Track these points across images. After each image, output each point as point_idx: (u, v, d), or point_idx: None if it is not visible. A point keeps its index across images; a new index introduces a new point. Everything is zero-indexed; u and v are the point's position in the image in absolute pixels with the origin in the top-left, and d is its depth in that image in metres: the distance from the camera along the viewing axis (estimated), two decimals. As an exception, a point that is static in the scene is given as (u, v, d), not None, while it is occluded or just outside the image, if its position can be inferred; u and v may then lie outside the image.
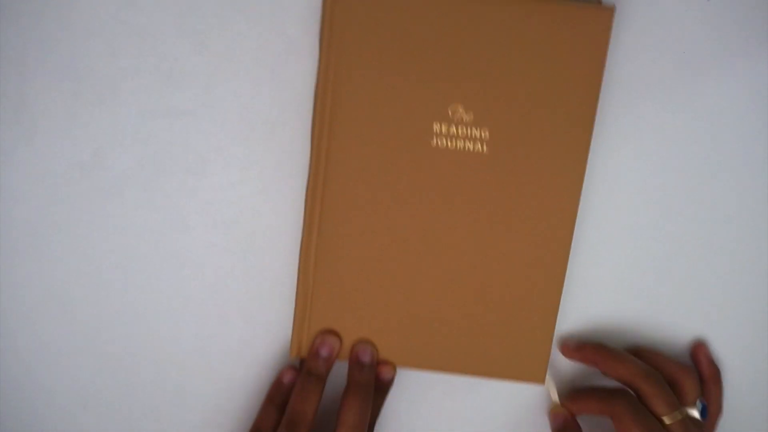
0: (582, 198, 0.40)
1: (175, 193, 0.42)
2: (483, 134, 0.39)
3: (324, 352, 0.41)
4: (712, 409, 0.43)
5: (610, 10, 0.38)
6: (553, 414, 0.43)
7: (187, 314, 0.44)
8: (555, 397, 0.44)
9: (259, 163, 0.42)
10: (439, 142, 0.39)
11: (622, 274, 0.44)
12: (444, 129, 0.39)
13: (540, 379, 0.42)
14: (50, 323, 0.44)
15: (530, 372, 0.42)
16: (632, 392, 0.41)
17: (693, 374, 0.42)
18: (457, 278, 0.41)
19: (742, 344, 0.45)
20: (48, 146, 0.42)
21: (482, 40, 0.38)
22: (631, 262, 0.44)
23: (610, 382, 0.43)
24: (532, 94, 0.39)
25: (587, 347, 0.43)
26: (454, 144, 0.39)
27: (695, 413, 0.40)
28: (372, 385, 0.41)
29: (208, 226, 0.43)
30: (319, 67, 0.39)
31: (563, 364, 0.45)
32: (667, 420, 0.39)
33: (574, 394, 0.43)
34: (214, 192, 0.42)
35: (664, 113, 0.42)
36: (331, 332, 0.41)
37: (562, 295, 0.41)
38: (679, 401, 0.40)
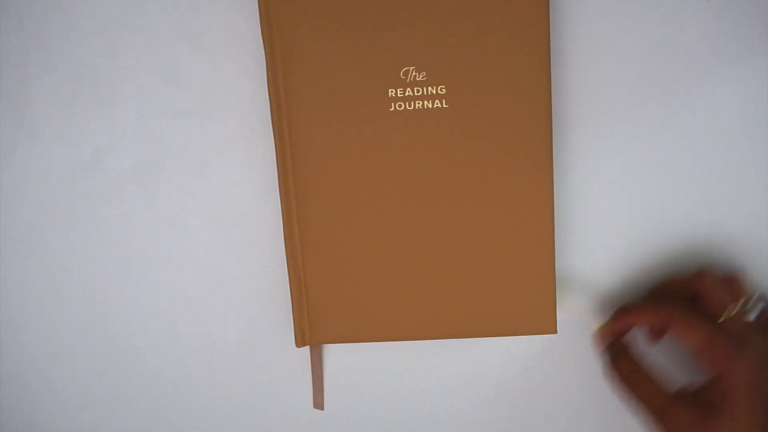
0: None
1: (175, 193, 0.42)
2: (439, 90, 0.39)
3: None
4: None
5: None
6: (598, 336, 0.42)
7: (187, 314, 0.44)
8: (597, 322, 0.43)
9: (259, 163, 0.42)
10: (396, 107, 0.39)
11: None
12: (399, 93, 0.39)
13: (551, 329, 0.41)
14: (50, 323, 0.44)
15: (541, 323, 0.41)
16: (679, 301, 0.40)
17: (739, 275, 0.41)
18: (445, 240, 0.40)
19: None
20: (48, 146, 0.42)
21: (423, 2, 0.38)
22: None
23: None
24: (483, 41, 0.38)
25: (620, 314, 0.42)
26: (412, 105, 0.39)
27: (754, 310, 0.40)
28: None
29: (208, 226, 0.43)
30: (265, 59, 0.39)
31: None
32: (723, 317, 0.39)
33: (619, 312, 0.42)
34: (214, 192, 0.42)
35: (662, 114, 0.42)
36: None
37: (555, 237, 0.40)
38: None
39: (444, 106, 0.39)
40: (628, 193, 0.43)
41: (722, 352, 0.38)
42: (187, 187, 0.42)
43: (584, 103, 0.42)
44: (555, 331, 0.41)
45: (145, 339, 0.44)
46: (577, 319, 0.44)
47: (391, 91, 0.39)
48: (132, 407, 0.45)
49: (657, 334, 0.42)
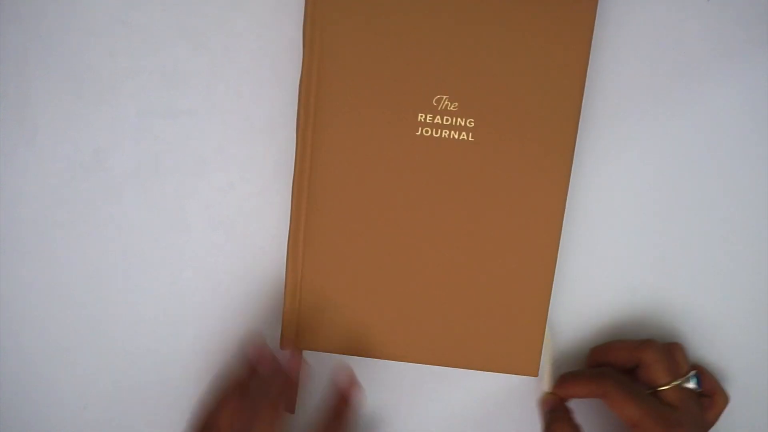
0: (571, 186, 0.40)
1: (175, 193, 0.42)
2: (468, 123, 0.39)
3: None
4: (717, 398, 0.43)
5: None
6: (543, 401, 0.43)
7: (187, 314, 0.44)
8: (547, 386, 0.43)
9: (259, 163, 0.42)
10: (423, 132, 0.39)
11: (613, 262, 0.44)
12: (429, 119, 0.39)
13: (533, 372, 0.42)
14: (51, 323, 0.44)
15: (523, 364, 0.42)
16: (618, 373, 0.41)
17: (681, 347, 0.42)
18: (446, 269, 0.41)
19: (736, 339, 0.45)
20: (49, 146, 0.42)
21: (467, 31, 0.38)
22: (622, 251, 0.44)
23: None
24: (518, 82, 0.39)
25: (568, 380, 0.42)
26: (439, 133, 0.39)
27: (690, 384, 0.41)
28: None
29: (208, 226, 0.43)
30: (303, 60, 0.39)
31: (562, 348, 0.44)
32: (664, 388, 0.40)
33: (561, 379, 0.43)
34: (214, 192, 0.42)
35: (662, 114, 0.42)
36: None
37: (554, 285, 0.41)
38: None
39: (470, 139, 0.39)
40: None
41: (653, 429, 0.38)
42: (187, 187, 0.42)
43: (584, 106, 0.42)
44: (536, 375, 0.42)
45: (145, 339, 0.44)
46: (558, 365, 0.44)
47: (421, 116, 0.39)
48: (132, 407, 0.45)
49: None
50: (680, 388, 0.40)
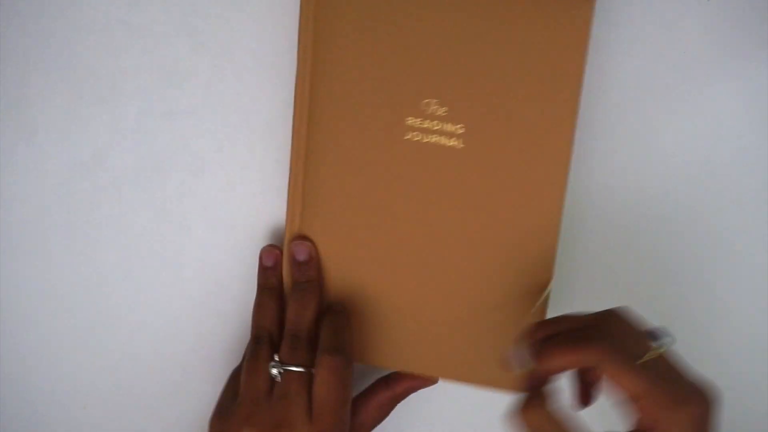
0: (569, 188, 0.39)
1: (175, 193, 0.42)
2: (457, 129, 0.38)
3: (301, 257, 0.40)
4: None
5: (591, 0, 0.37)
6: (522, 383, 0.35)
7: (187, 314, 0.44)
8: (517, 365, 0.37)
9: (259, 163, 0.42)
10: (412, 136, 0.38)
11: (611, 277, 0.44)
12: (417, 123, 0.38)
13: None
14: (50, 323, 0.44)
15: (514, 380, 0.38)
16: (610, 334, 0.34)
17: (631, 311, 0.35)
18: (438, 276, 0.40)
19: (731, 346, 0.45)
20: (48, 146, 0.42)
21: (458, 34, 0.37)
22: (621, 265, 0.43)
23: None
24: (511, 88, 0.37)
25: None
26: (428, 138, 0.38)
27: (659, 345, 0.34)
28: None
29: (208, 226, 0.43)
30: (297, 63, 0.39)
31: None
32: (645, 358, 0.33)
33: (537, 350, 0.34)
34: (214, 192, 0.42)
35: (662, 115, 0.42)
36: (303, 237, 0.40)
37: (551, 294, 0.40)
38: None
39: (459, 145, 0.38)
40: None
41: (660, 405, 0.32)
42: (187, 187, 0.42)
43: (583, 106, 0.42)
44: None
45: (145, 339, 0.44)
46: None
47: (410, 120, 0.38)
48: (132, 407, 0.45)
49: (585, 386, 0.36)
50: (666, 353, 0.33)
